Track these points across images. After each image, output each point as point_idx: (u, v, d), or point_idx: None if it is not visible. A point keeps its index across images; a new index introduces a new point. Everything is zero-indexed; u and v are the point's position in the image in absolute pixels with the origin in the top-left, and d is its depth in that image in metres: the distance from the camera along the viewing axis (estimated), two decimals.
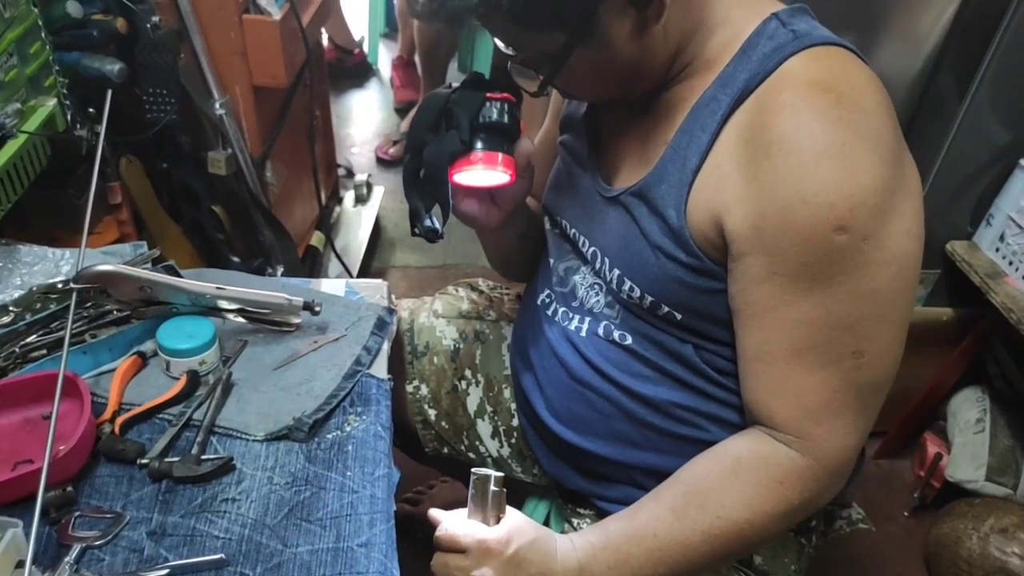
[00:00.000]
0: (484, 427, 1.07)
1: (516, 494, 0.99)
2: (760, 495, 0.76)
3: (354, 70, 3.13)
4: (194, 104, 1.35)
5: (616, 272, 0.84)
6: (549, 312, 0.95)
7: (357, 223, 2.14)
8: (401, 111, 2.95)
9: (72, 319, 0.89)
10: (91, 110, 1.21)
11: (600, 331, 0.88)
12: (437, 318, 1.12)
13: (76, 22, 1.19)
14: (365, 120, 2.95)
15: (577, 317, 0.91)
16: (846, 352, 0.73)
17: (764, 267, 0.72)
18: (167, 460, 0.79)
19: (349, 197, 2.21)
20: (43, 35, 1.12)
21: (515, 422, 1.05)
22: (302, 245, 1.82)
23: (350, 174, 2.33)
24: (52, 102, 1.09)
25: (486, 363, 1.08)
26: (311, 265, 1.84)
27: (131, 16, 1.23)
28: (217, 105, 1.35)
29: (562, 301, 0.93)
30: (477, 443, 1.08)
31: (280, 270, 1.56)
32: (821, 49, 0.74)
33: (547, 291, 0.96)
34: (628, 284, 0.82)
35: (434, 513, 0.82)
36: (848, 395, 0.74)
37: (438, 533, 0.79)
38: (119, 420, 0.82)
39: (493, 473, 0.77)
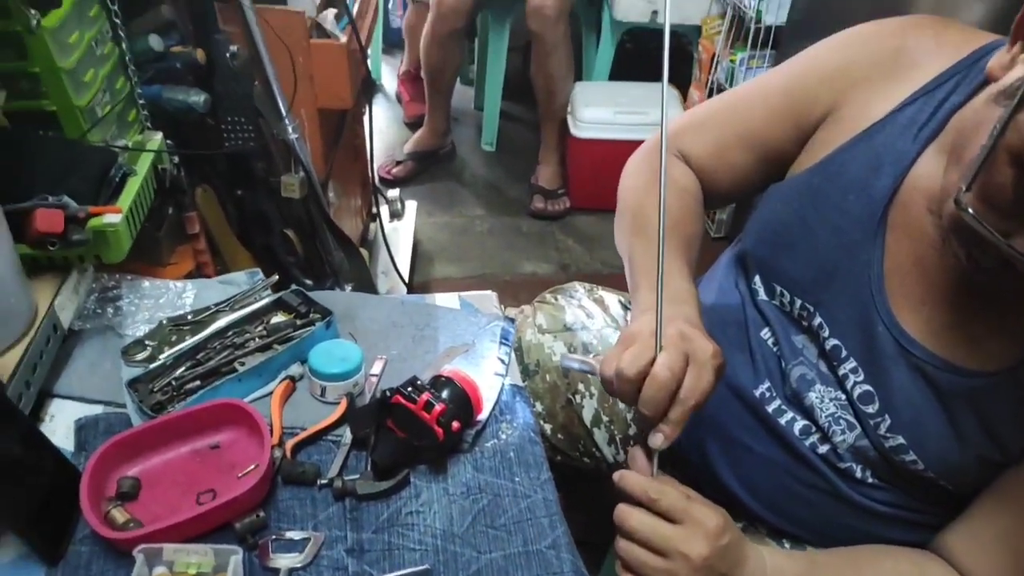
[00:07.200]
0: (600, 435, 1.09)
1: None
2: None
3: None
4: (265, 130, 1.36)
5: (899, 441, 0.78)
6: (770, 409, 0.88)
7: (395, 238, 2.16)
8: (412, 125, 2.97)
9: (218, 349, 0.92)
10: (168, 142, 1.22)
11: (841, 465, 0.84)
12: (543, 334, 1.11)
13: (157, 55, 1.20)
14: (376, 136, 2.95)
15: (815, 437, 0.85)
16: None
17: None
18: (346, 479, 0.81)
19: (384, 213, 2.23)
20: (128, 70, 1.13)
21: (631, 431, 1.07)
22: None
23: (379, 191, 2.34)
24: (158, 136, 1.10)
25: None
26: None
27: (209, 46, 1.24)
28: (290, 129, 1.36)
29: (791, 406, 0.87)
30: (593, 449, 1.10)
31: (348, 288, 1.57)
32: None
33: (767, 384, 0.89)
34: (912, 457, 0.77)
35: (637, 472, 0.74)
36: None
37: (656, 496, 0.71)
38: (289, 444, 0.84)
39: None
